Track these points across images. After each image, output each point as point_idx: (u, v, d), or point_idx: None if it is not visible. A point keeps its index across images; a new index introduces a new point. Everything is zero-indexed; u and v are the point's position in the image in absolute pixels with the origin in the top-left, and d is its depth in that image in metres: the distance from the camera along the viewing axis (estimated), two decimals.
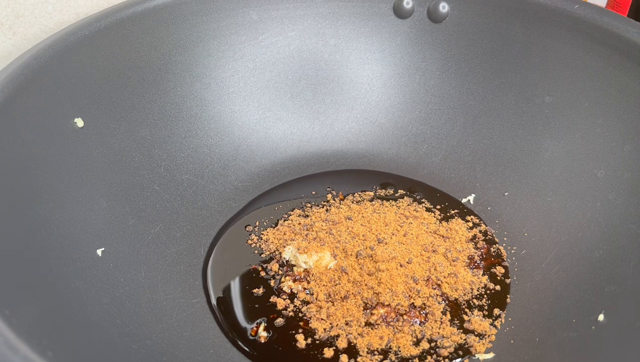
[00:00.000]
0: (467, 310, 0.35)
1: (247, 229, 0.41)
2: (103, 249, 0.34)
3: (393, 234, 0.38)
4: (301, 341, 0.33)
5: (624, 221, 0.34)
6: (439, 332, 0.34)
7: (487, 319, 0.34)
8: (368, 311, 0.34)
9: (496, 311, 0.35)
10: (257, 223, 0.42)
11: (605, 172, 0.37)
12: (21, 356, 0.21)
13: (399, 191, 0.44)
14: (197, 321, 0.35)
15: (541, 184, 0.41)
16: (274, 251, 0.39)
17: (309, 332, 0.34)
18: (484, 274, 0.37)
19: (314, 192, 0.44)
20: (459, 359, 0.32)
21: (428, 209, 0.42)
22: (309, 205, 0.43)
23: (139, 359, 0.30)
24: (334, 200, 0.43)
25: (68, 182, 0.35)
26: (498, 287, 0.36)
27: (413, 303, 0.35)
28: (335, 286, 0.36)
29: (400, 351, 0.33)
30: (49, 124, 0.34)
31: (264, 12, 0.44)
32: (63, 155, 0.35)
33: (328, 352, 0.33)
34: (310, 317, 0.35)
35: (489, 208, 0.42)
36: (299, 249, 0.38)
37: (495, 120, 0.44)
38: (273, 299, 0.36)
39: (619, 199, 0.35)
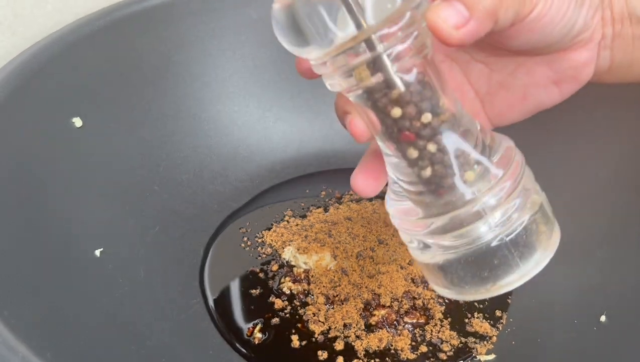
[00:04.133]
0: (467, 312, 0.35)
1: (246, 229, 0.41)
2: (102, 249, 0.34)
3: (393, 235, 0.38)
4: (295, 341, 0.33)
5: (624, 220, 0.34)
6: (438, 336, 0.33)
7: (488, 320, 0.34)
8: (368, 313, 0.34)
9: (497, 313, 0.35)
10: (257, 223, 0.42)
11: (605, 172, 0.37)
12: (20, 356, 0.21)
13: None
14: (197, 322, 0.35)
15: (541, 184, 0.40)
16: (273, 251, 0.39)
17: (306, 334, 0.34)
18: None
19: (307, 191, 0.44)
20: None
21: None
22: (308, 205, 0.43)
23: (139, 359, 0.30)
24: (331, 200, 0.43)
25: (68, 182, 0.34)
26: None
27: (414, 305, 0.35)
28: (336, 287, 0.35)
29: (398, 354, 0.33)
30: (48, 123, 0.34)
31: (264, 11, 0.44)
32: (63, 155, 0.35)
33: (323, 355, 0.33)
34: (307, 320, 0.34)
35: None
36: (298, 250, 0.38)
37: None
38: (272, 299, 0.36)
39: (619, 199, 0.35)
